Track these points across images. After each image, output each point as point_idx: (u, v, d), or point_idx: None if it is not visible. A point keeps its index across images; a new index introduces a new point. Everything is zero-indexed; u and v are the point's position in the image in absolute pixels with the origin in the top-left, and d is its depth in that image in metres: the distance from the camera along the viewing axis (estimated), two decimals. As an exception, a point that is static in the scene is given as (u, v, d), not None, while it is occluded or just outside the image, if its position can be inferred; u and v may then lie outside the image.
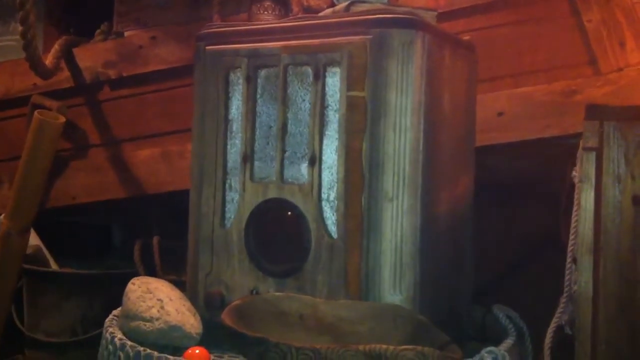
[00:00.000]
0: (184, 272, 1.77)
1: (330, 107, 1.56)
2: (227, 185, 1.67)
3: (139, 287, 1.62)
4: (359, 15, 1.59)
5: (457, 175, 1.72)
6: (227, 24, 1.81)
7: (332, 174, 1.55)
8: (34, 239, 2.71)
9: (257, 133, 1.64)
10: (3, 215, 2.60)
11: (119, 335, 1.58)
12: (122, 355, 1.52)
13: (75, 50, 2.76)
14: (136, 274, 2.06)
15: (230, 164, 1.67)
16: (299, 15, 2.07)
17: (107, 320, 1.70)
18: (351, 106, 1.52)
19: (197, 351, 1.49)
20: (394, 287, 1.49)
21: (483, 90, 1.97)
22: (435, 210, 1.57)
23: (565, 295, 1.65)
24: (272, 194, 1.61)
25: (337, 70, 1.54)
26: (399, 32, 1.51)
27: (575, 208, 1.60)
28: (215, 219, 1.67)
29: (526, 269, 2.47)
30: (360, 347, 1.24)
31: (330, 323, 1.48)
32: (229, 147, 1.68)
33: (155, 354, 1.48)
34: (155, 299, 1.58)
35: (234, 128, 1.67)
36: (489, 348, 1.50)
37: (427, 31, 1.53)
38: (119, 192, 2.70)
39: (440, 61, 1.59)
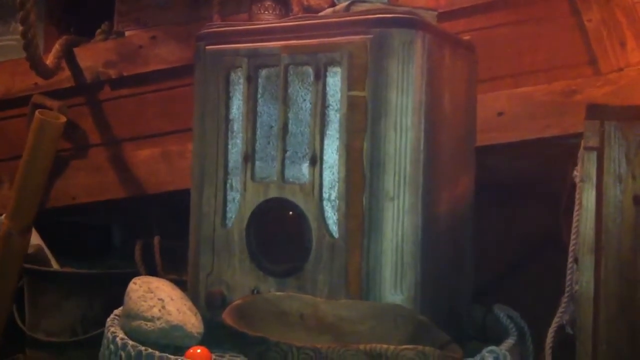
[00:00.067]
0: (184, 271, 1.77)
1: (331, 107, 1.56)
2: (228, 185, 1.67)
3: (140, 287, 1.62)
4: (359, 15, 1.59)
5: (458, 175, 1.72)
6: (228, 23, 1.81)
7: (333, 174, 1.55)
8: (35, 239, 2.71)
9: (258, 133, 1.64)
10: (4, 215, 2.60)
11: (121, 334, 1.58)
12: (123, 354, 1.52)
13: (76, 50, 2.76)
14: (137, 274, 2.05)
15: (231, 164, 1.67)
16: (300, 15, 2.07)
17: (108, 319, 1.70)
18: (352, 106, 1.52)
19: (199, 351, 1.50)
20: (394, 287, 1.50)
21: (483, 90, 1.97)
22: (436, 209, 1.57)
23: (566, 295, 1.65)
24: (273, 193, 1.61)
25: (337, 70, 1.55)
26: (400, 32, 1.51)
27: (576, 208, 1.60)
28: (217, 218, 1.67)
29: (526, 268, 2.47)
30: (361, 347, 1.25)
31: (331, 323, 1.48)
32: (229, 146, 1.68)
33: (157, 353, 1.48)
34: (157, 299, 1.58)
35: (235, 128, 1.68)
36: (490, 348, 1.50)
37: (427, 31, 1.53)
38: (119, 192, 2.70)
39: (440, 61, 1.59)
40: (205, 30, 1.75)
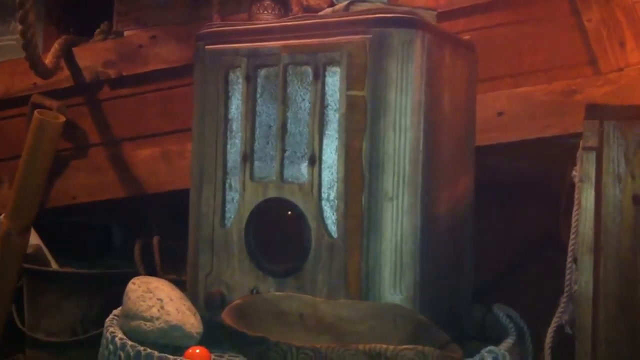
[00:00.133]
0: (184, 271, 1.77)
1: (330, 107, 1.56)
2: (227, 185, 1.67)
3: (140, 287, 1.62)
4: (358, 15, 1.59)
5: (457, 175, 1.72)
6: (227, 23, 1.81)
7: (332, 174, 1.55)
8: (34, 239, 2.71)
9: (257, 132, 1.64)
10: (3, 215, 2.60)
11: (120, 334, 1.58)
12: (122, 354, 1.52)
13: (75, 50, 2.76)
14: (136, 274, 2.06)
15: (230, 164, 1.67)
16: (299, 15, 2.07)
17: (107, 319, 1.70)
18: (351, 106, 1.52)
19: (198, 351, 1.50)
20: (394, 287, 1.49)
21: (483, 90, 1.97)
22: (435, 209, 1.57)
23: (565, 294, 1.65)
24: (272, 193, 1.61)
25: (336, 69, 1.54)
26: (399, 32, 1.51)
27: (575, 208, 1.60)
28: (216, 218, 1.67)
29: (526, 268, 2.47)
30: (361, 347, 1.24)
31: (331, 322, 1.48)
32: (228, 146, 1.68)
33: (156, 353, 1.48)
34: (156, 299, 1.58)
35: (234, 127, 1.67)
36: (489, 347, 1.50)
37: (427, 31, 1.53)
38: (119, 192, 2.70)
39: (440, 61, 1.59)
40: (205, 30, 1.75)
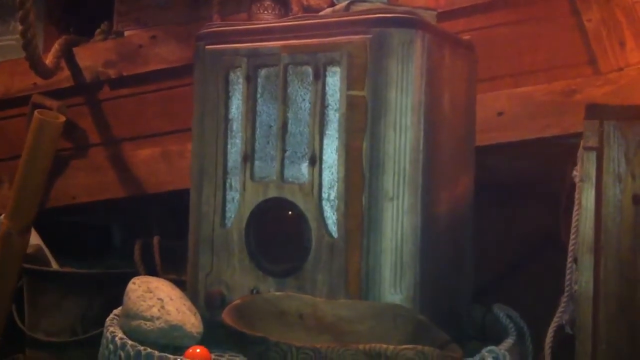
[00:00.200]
0: (184, 271, 1.77)
1: (330, 107, 1.56)
2: (227, 185, 1.67)
3: (140, 287, 1.62)
4: (358, 15, 1.59)
5: (457, 175, 1.72)
6: (227, 23, 1.81)
7: (332, 174, 1.55)
8: (34, 239, 2.71)
9: (258, 132, 1.64)
10: (3, 215, 2.60)
11: (120, 334, 1.58)
12: (122, 354, 1.52)
13: (75, 50, 2.76)
14: (136, 274, 2.06)
15: (230, 164, 1.67)
16: (299, 15, 2.07)
17: (107, 319, 1.70)
18: (351, 105, 1.52)
19: (198, 350, 1.50)
20: (394, 287, 1.50)
21: (483, 90, 1.97)
22: (435, 209, 1.57)
23: (566, 294, 1.65)
24: (272, 193, 1.61)
25: (337, 69, 1.54)
26: (399, 32, 1.51)
27: (575, 207, 1.60)
28: (216, 218, 1.67)
29: (526, 268, 2.47)
30: (360, 347, 1.24)
31: (331, 322, 1.48)
32: (229, 146, 1.68)
33: (156, 353, 1.48)
34: (156, 299, 1.58)
35: (234, 127, 1.67)
36: (489, 347, 1.50)
37: (427, 30, 1.53)
38: (119, 192, 2.70)
39: (440, 60, 1.59)
40: (205, 30, 1.75)
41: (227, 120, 1.68)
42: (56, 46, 2.69)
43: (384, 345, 1.24)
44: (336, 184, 1.54)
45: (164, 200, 2.66)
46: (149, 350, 1.49)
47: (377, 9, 1.61)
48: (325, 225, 1.54)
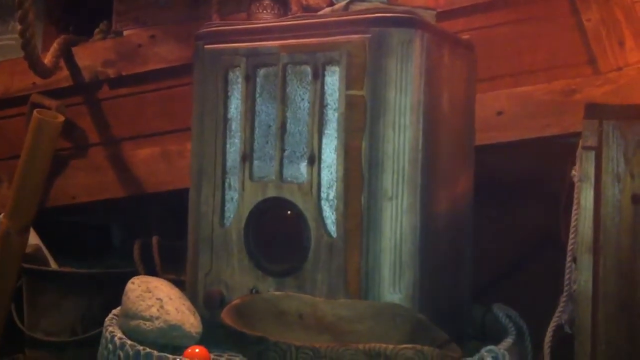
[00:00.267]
0: (183, 271, 1.77)
1: (329, 106, 1.56)
2: (226, 185, 1.67)
3: (139, 286, 1.62)
4: (358, 14, 1.59)
5: (457, 175, 1.72)
6: (226, 22, 1.81)
7: (331, 173, 1.55)
8: (33, 238, 2.71)
9: (257, 132, 1.64)
10: (2, 214, 2.60)
11: (119, 334, 1.58)
12: (121, 354, 1.52)
13: (75, 49, 2.76)
14: (136, 273, 2.05)
15: (229, 163, 1.67)
16: (298, 14, 2.07)
17: (106, 319, 1.70)
18: (350, 105, 1.52)
19: (197, 350, 1.49)
20: (393, 286, 1.49)
21: (482, 90, 1.97)
22: (434, 209, 1.57)
23: (565, 294, 1.65)
24: (271, 193, 1.61)
25: (336, 69, 1.54)
26: (398, 31, 1.51)
27: (574, 207, 1.60)
28: (215, 218, 1.67)
29: (526, 268, 2.47)
30: (360, 346, 1.24)
31: (330, 322, 1.48)
32: (228, 146, 1.68)
33: (155, 353, 1.48)
34: (155, 298, 1.58)
35: (233, 127, 1.67)
36: (488, 347, 1.50)
37: (426, 30, 1.53)
38: (118, 192, 2.70)
39: (439, 60, 1.59)
40: (204, 30, 1.75)
41: (226, 119, 1.68)
42: (55, 46, 2.69)
43: (384, 345, 1.24)
44: (335, 183, 1.54)
45: (164, 200, 2.66)
46: (148, 350, 1.49)
47: (376, 9, 1.61)
48: (324, 224, 1.54)
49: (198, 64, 1.72)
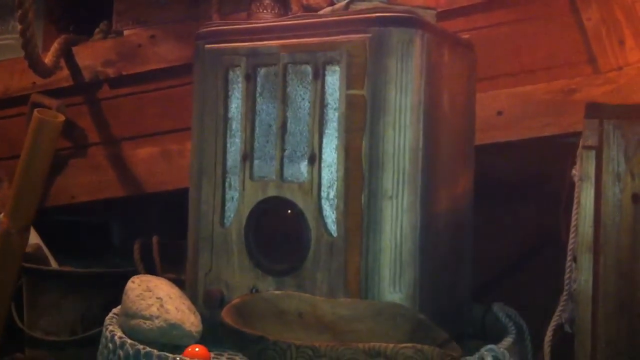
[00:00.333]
0: (183, 270, 1.77)
1: (329, 106, 1.56)
2: (226, 184, 1.67)
3: (139, 286, 1.62)
4: (358, 14, 1.59)
5: (457, 174, 1.72)
6: (227, 22, 1.81)
7: (331, 173, 1.55)
8: (33, 238, 2.71)
9: (257, 131, 1.64)
10: (3, 214, 2.60)
11: (119, 333, 1.58)
12: (121, 353, 1.52)
13: (75, 49, 2.76)
14: (136, 273, 2.05)
15: (229, 163, 1.67)
16: (298, 14, 2.07)
17: (107, 318, 1.70)
18: (351, 105, 1.52)
19: (197, 349, 1.49)
20: (393, 285, 1.50)
21: (482, 89, 1.97)
22: (435, 208, 1.57)
23: (565, 293, 1.66)
24: (271, 192, 1.61)
25: (336, 68, 1.54)
26: (398, 31, 1.51)
27: (575, 206, 1.60)
28: (215, 217, 1.67)
29: (526, 268, 2.47)
30: (360, 345, 1.24)
31: (330, 321, 1.48)
32: (228, 145, 1.68)
33: (155, 352, 1.48)
34: (155, 297, 1.58)
35: (234, 127, 1.67)
36: (489, 346, 1.50)
37: (426, 30, 1.53)
38: (118, 191, 2.70)
39: (439, 60, 1.59)
40: (205, 29, 1.75)
41: (226, 119, 1.68)
42: (55, 45, 2.69)
43: (384, 344, 1.24)
44: (335, 183, 1.54)
45: (164, 200, 2.66)
46: (148, 349, 1.49)
47: (376, 8, 1.61)
48: (325, 224, 1.54)
49: (198, 64, 1.72)
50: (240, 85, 1.66)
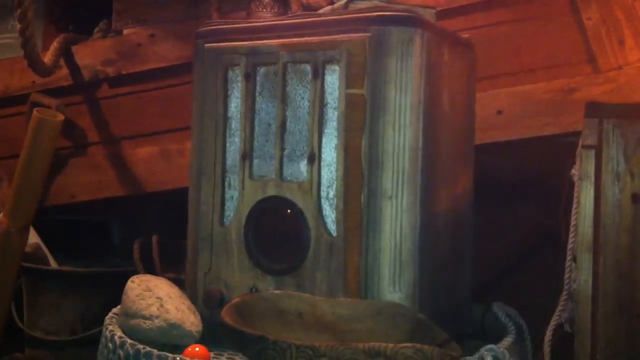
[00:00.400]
0: (183, 270, 1.77)
1: (329, 105, 1.56)
2: (226, 183, 1.67)
3: (139, 285, 1.62)
4: (357, 13, 1.59)
5: (457, 173, 1.72)
6: (226, 21, 1.81)
7: (331, 172, 1.55)
8: (33, 237, 2.71)
9: (256, 131, 1.64)
10: (2, 213, 2.60)
11: (119, 333, 1.58)
12: (121, 353, 1.52)
13: (74, 48, 2.76)
14: (135, 272, 2.05)
15: (229, 162, 1.67)
16: (298, 13, 2.06)
17: (106, 318, 1.70)
18: (350, 104, 1.52)
19: (197, 349, 1.49)
20: (393, 285, 1.49)
21: (482, 88, 1.97)
22: (434, 208, 1.57)
23: (565, 293, 1.65)
24: (271, 191, 1.60)
25: (336, 67, 1.54)
26: (398, 30, 1.50)
27: (574, 206, 1.60)
28: (215, 217, 1.67)
29: (526, 267, 2.47)
30: (360, 345, 1.24)
31: (330, 321, 1.47)
32: (228, 144, 1.67)
33: (155, 351, 1.48)
34: (155, 297, 1.58)
35: (233, 126, 1.67)
36: (489, 346, 1.50)
37: (426, 29, 1.53)
38: (118, 190, 2.70)
39: (439, 59, 1.59)
40: (204, 28, 1.75)
41: (226, 118, 1.68)
42: (55, 44, 2.69)
43: (384, 344, 1.24)
44: (335, 182, 1.54)
45: (163, 199, 2.65)
46: (148, 348, 1.49)
47: (376, 7, 1.60)
48: (324, 223, 1.54)
49: (198, 63, 1.72)
50: (239, 84, 1.66)
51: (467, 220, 1.78)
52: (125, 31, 2.68)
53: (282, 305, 1.49)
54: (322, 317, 1.48)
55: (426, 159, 1.52)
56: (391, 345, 1.24)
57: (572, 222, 1.61)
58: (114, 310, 1.73)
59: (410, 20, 1.52)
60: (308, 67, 1.58)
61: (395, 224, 1.49)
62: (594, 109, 1.57)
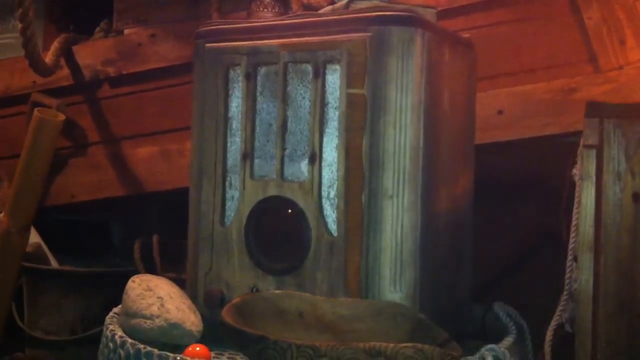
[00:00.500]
0: (183, 270, 1.77)
1: (330, 105, 1.56)
2: (227, 183, 1.67)
3: (139, 285, 1.62)
4: (358, 13, 1.59)
5: (457, 173, 1.72)
6: (227, 21, 1.81)
7: (332, 172, 1.55)
8: (34, 237, 2.71)
9: (257, 131, 1.64)
10: (3, 213, 2.60)
11: (120, 332, 1.58)
12: (122, 352, 1.52)
13: (75, 48, 2.76)
14: (136, 272, 2.05)
15: (230, 162, 1.67)
16: (299, 13, 2.06)
17: (107, 317, 1.70)
18: (351, 104, 1.52)
19: (198, 349, 1.49)
20: (394, 285, 1.49)
21: (483, 88, 1.97)
22: (435, 207, 1.57)
23: (565, 293, 1.65)
24: (272, 191, 1.60)
25: (336, 67, 1.54)
26: (399, 30, 1.50)
27: (575, 206, 1.60)
28: (215, 216, 1.67)
29: (526, 267, 2.47)
30: (360, 345, 1.24)
31: (330, 321, 1.48)
32: (228, 144, 1.67)
33: (156, 351, 1.48)
34: (156, 297, 1.58)
35: (234, 126, 1.67)
36: (489, 346, 1.50)
37: (426, 29, 1.53)
38: (118, 190, 2.70)
39: (439, 59, 1.59)
40: (205, 28, 1.75)
41: (226, 118, 1.68)
42: (55, 44, 2.69)
43: (384, 344, 1.24)
44: (336, 182, 1.54)
45: (164, 199, 2.65)
46: (148, 348, 1.49)
47: (376, 7, 1.60)
48: (325, 223, 1.54)
49: (198, 63, 1.72)
50: (240, 84, 1.66)
51: (467, 220, 1.78)
52: (126, 31, 2.68)
53: (283, 305, 1.49)
54: (322, 317, 1.48)
55: (427, 159, 1.52)
56: (392, 345, 1.24)
57: (573, 222, 1.61)
58: (115, 310, 1.73)
59: (410, 20, 1.52)
60: (309, 67, 1.58)
61: (396, 224, 1.49)
62: (595, 109, 1.57)
